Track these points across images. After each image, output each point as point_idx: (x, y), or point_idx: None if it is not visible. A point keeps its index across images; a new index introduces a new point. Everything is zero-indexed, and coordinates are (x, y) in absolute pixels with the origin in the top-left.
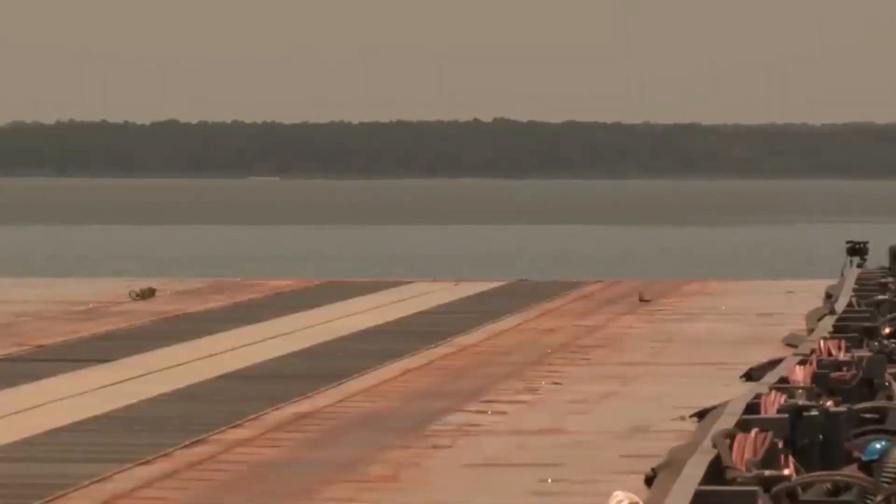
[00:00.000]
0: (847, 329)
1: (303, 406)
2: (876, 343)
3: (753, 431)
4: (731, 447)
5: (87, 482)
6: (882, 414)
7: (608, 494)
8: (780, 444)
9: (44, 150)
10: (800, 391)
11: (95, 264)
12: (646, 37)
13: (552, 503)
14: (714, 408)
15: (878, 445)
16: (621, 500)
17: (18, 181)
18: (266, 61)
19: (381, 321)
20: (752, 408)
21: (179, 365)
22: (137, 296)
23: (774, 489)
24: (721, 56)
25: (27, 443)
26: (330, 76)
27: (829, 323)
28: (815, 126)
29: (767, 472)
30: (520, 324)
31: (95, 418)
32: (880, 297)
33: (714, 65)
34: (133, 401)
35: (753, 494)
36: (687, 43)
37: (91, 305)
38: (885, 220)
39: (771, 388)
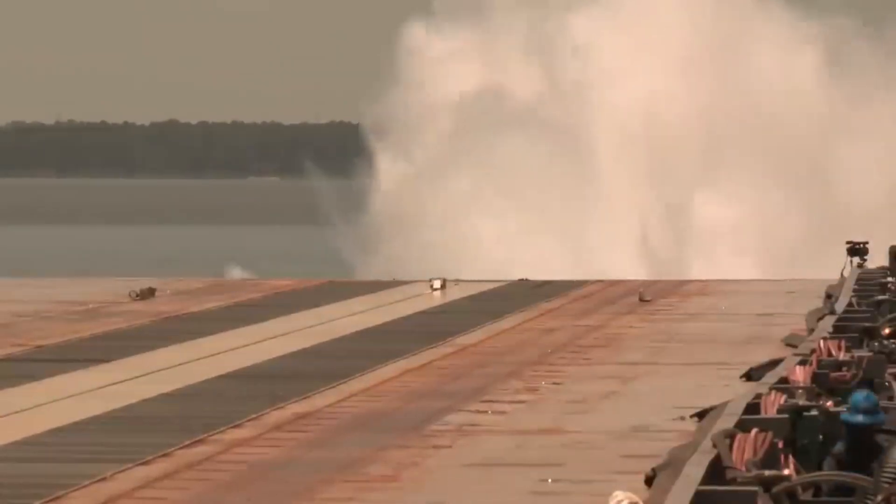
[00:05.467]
0: (847, 329)
1: (303, 406)
2: (876, 343)
3: (753, 431)
4: (731, 447)
5: (87, 482)
6: None
7: (608, 494)
8: (780, 444)
9: (44, 150)
10: (800, 391)
11: (95, 264)
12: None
13: (552, 503)
14: (714, 408)
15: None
16: (621, 500)
17: (18, 181)
18: (266, 61)
19: (380, 321)
20: (752, 408)
21: (179, 365)
22: (137, 296)
23: (774, 489)
24: None
25: (27, 443)
26: (329, 76)
27: (829, 323)
28: None
29: (767, 472)
30: (520, 324)
31: (95, 418)
32: (880, 297)
33: None
34: (133, 401)
35: (753, 494)
36: None
37: (91, 305)
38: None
39: (771, 388)
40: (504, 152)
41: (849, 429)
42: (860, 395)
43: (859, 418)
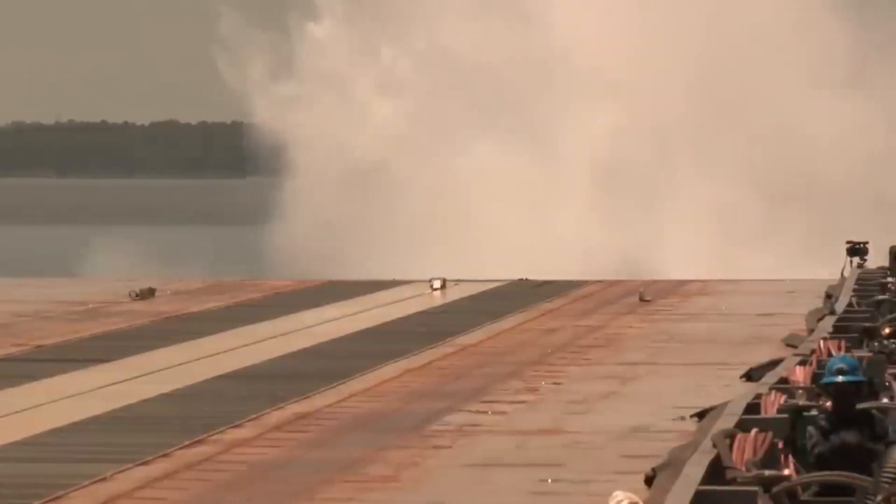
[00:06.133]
0: (847, 329)
1: (303, 406)
2: (876, 343)
3: (753, 431)
4: (731, 447)
5: (87, 482)
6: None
7: (608, 494)
8: (780, 444)
9: (44, 150)
10: (800, 391)
11: (95, 264)
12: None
13: (552, 503)
14: (714, 408)
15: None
16: (621, 500)
17: (18, 181)
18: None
19: (380, 321)
20: (752, 408)
21: (179, 365)
22: (137, 296)
23: (774, 489)
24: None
25: (27, 443)
26: None
27: (829, 323)
28: None
29: (767, 472)
30: (520, 324)
31: (95, 418)
32: (880, 297)
33: None
34: (133, 401)
35: (753, 494)
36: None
37: (91, 305)
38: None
39: (771, 388)
40: (462, 141)
41: (830, 392)
42: (837, 358)
43: (838, 378)
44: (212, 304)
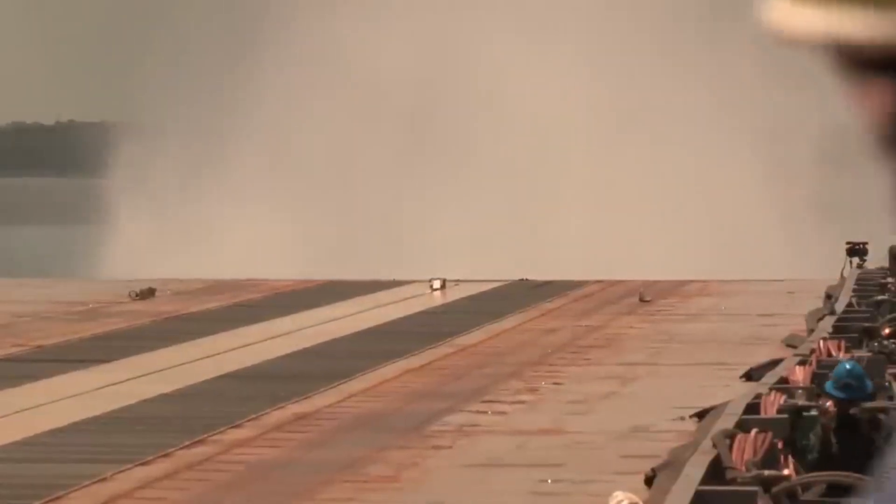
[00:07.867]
0: (847, 329)
1: (303, 406)
2: (876, 343)
3: (753, 431)
4: (731, 447)
5: (87, 482)
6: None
7: (608, 494)
8: (780, 445)
9: (44, 150)
10: (800, 391)
11: (95, 264)
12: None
13: (552, 503)
14: (714, 408)
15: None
16: (621, 500)
17: (18, 181)
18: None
19: (381, 321)
20: (752, 408)
21: (179, 365)
22: (137, 296)
23: (774, 489)
24: None
25: (27, 443)
26: None
27: (828, 323)
28: None
29: (767, 472)
30: (520, 324)
31: (95, 418)
32: (880, 297)
33: None
34: (133, 401)
35: (753, 494)
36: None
37: (91, 305)
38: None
39: (771, 388)
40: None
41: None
42: (843, 368)
43: (841, 395)
44: (212, 304)
